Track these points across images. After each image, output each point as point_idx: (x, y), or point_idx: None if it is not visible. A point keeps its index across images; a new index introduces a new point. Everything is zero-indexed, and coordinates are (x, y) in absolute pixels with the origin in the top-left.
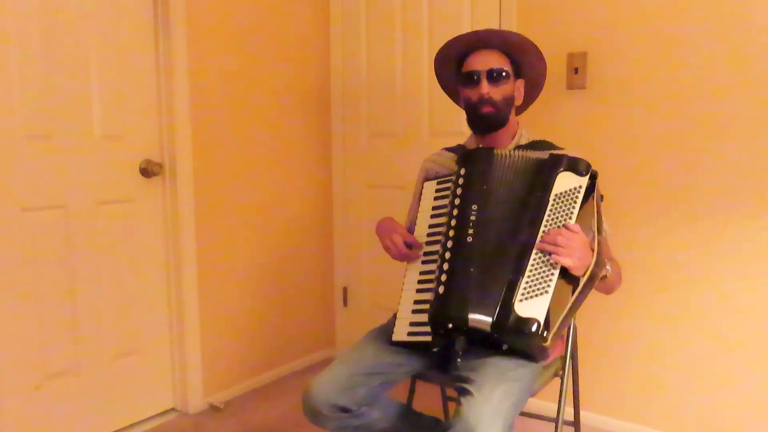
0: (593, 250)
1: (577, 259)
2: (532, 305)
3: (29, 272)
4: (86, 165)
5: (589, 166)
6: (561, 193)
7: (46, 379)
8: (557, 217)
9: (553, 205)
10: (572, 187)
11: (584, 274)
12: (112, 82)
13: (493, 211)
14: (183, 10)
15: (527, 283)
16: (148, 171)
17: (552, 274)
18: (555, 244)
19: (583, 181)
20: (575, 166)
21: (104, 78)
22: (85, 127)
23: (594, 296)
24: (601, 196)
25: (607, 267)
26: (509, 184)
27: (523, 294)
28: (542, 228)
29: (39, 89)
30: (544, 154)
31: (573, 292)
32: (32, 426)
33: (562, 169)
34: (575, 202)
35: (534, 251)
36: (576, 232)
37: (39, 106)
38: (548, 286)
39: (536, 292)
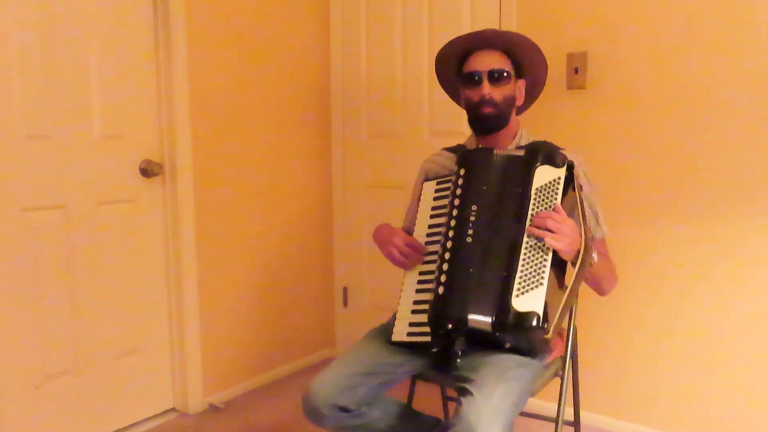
0: (581, 236)
1: (568, 243)
2: (528, 299)
3: (29, 272)
4: (86, 165)
5: (565, 157)
6: (541, 187)
7: (46, 379)
8: (541, 210)
9: (535, 198)
10: (551, 180)
11: (575, 259)
12: (112, 82)
13: (492, 211)
14: (183, 11)
15: (521, 277)
16: (148, 171)
17: (544, 263)
18: (545, 228)
19: (561, 172)
20: (552, 159)
21: (104, 78)
22: (85, 127)
23: (594, 297)
24: (581, 186)
25: (593, 255)
26: (506, 183)
27: (518, 289)
28: (527, 222)
29: (39, 89)
30: (522, 151)
31: (566, 281)
32: (32, 426)
33: (539, 163)
34: (556, 193)
35: (523, 245)
36: (564, 215)
37: (39, 106)
38: (542, 277)
39: (531, 286)
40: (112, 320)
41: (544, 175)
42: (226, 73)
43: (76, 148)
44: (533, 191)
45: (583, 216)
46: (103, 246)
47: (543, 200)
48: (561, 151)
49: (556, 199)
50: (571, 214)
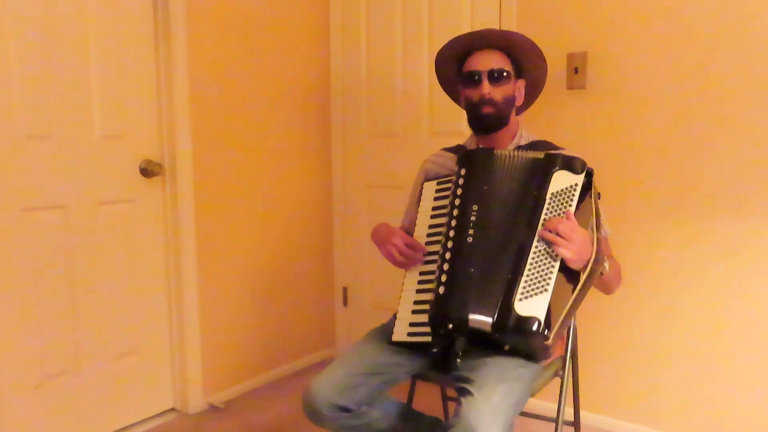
0: (593, 246)
1: (577, 252)
2: (532, 304)
3: (29, 272)
4: (86, 165)
5: (584, 164)
6: (557, 192)
7: (46, 379)
8: (554, 216)
9: (549, 203)
10: (568, 186)
11: (583, 269)
12: (112, 82)
13: (493, 212)
14: (183, 10)
15: (526, 281)
16: (148, 171)
17: (551, 270)
18: (556, 232)
19: (579, 179)
20: (571, 164)
21: (104, 78)
22: (85, 127)
23: (594, 296)
24: (599, 194)
25: (605, 264)
26: (509, 184)
27: (522, 293)
28: (539, 227)
29: (39, 89)
30: (541, 154)
31: (572, 289)
32: (32, 426)
33: (557, 168)
34: (572, 200)
35: (532, 250)
36: (576, 223)
37: (39, 106)
38: (548, 284)
39: (536, 291)
40: (112, 320)
41: (562, 180)
42: (226, 73)
43: (76, 148)
44: (548, 196)
45: (598, 225)
46: (103, 246)
47: (557, 206)
48: (561, 151)
49: (570, 205)
50: (586, 222)
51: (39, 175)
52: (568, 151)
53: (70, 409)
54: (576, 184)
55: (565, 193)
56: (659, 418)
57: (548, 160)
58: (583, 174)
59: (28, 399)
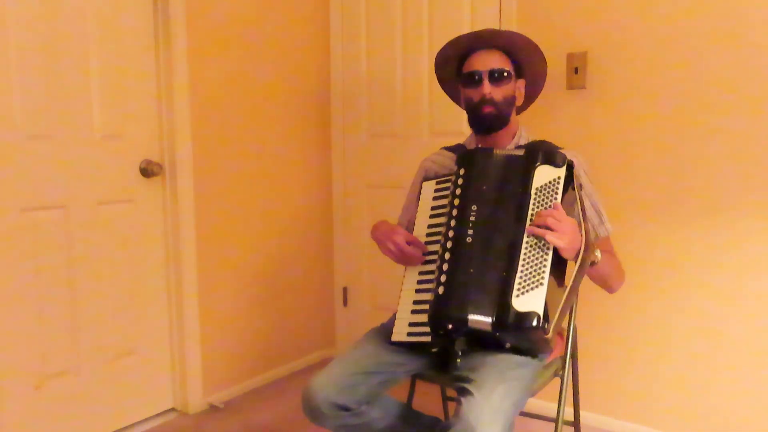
0: (581, 235)
1: (569, 241)
2: (529, 299)
3: (29, 272)
4: (86, 165)
5: (564, 157)
6: (541, 186)
7: (46, 379)
8: (541, 209)
9: (535, 198)
10: (551, 179)
11: (575, 258)
12: (112, 82)
13: (491, 211)
14: (183, 11)
15: (521, 277)
16: (148, 171)
17: (544, 263)
18: (545, 226)
19: (561, 172)
20: (552, 158)
21: (104, 78)
22: (85, 127)
23: (594, 296)
24: (581, 185)
25: (596, 253)
26: (506, 183)
27: (518, 289)
28: (528, 222)
29: (39, 89)
30: (522, 151)
31: (567, 280)
32: (32, 426)
33: (539, 163)
34: (556, 193)
35: (523, 244)
36: (564, 213)
37: (39, 106)
38: (542, 277)
39: (532, 285)
40: (112, 320)
41: (544, 174)
42: (226, 73)
43: (76, 148)
44: (533, 191)
45: (584, 214)
46: (103, 246)
47: (543, 200)
48: (560, 150)
49: (556, 198)
50: (571, 212)
51: (39, 175)
52: (568, 151)
53: (70, 409)
54: (558, 177)
55: (549, 187)
56: (659, 418)
57: (529, 156)
58: (564, 167)
59: (28, 399)
